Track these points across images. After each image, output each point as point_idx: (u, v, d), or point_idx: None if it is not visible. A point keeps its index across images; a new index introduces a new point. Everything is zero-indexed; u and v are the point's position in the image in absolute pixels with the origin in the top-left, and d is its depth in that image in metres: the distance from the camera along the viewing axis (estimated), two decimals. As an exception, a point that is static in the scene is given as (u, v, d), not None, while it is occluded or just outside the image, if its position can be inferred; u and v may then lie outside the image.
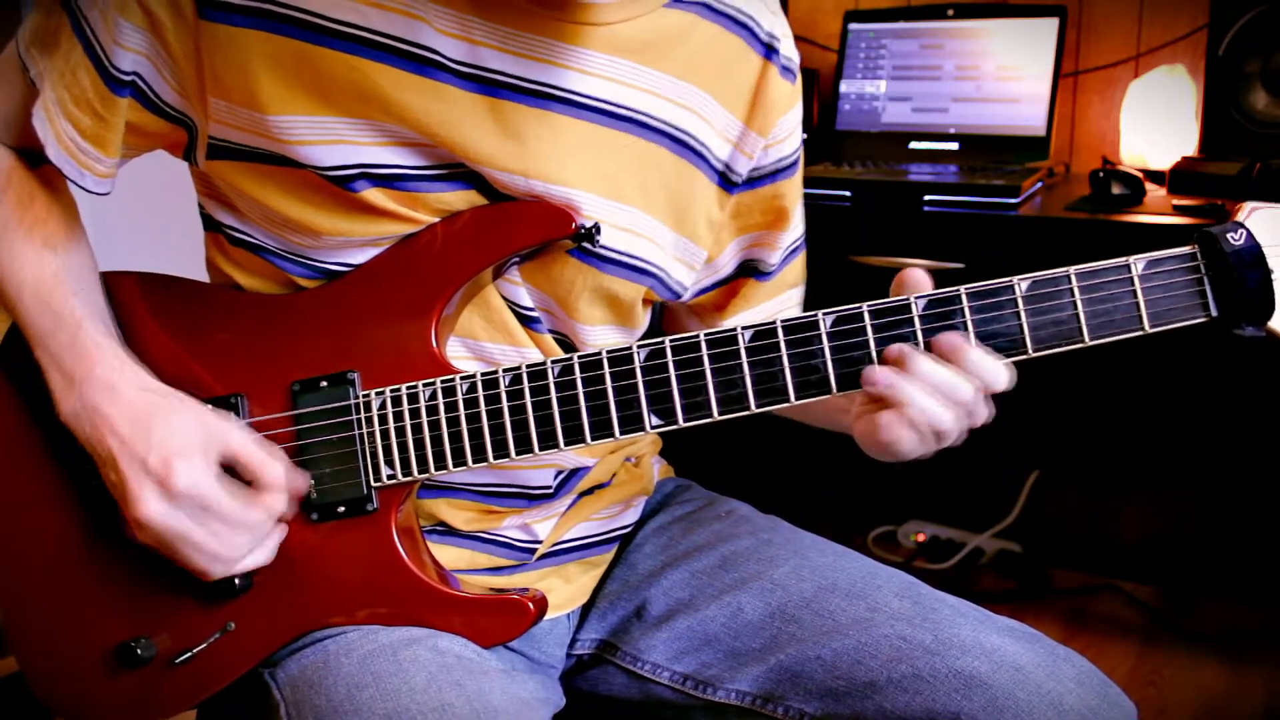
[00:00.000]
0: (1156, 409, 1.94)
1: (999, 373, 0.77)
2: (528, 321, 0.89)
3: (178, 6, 0.79)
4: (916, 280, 0.79)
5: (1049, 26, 1.85)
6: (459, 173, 0.84)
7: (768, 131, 0.93)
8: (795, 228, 1.02)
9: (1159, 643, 1.98)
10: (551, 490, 0.93)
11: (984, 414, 0.79)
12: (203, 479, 0.80)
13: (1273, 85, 1.69)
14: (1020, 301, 0.78)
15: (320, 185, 0.82)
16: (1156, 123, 1.90)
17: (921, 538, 2.29)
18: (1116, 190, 1.63)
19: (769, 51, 0.93)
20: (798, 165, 0.99)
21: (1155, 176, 1.75)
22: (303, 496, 0.85)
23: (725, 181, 0.93)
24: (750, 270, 1.01)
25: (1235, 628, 1.99)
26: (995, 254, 1.64)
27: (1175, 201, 1.60)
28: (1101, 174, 1.65)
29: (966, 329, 0.78)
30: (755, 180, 0.95)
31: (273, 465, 0.82)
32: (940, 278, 0.80)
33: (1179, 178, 1.66)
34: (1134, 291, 0.77)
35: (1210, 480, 2.02)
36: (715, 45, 0.90)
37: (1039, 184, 1.76)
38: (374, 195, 0.82)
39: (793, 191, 0.99)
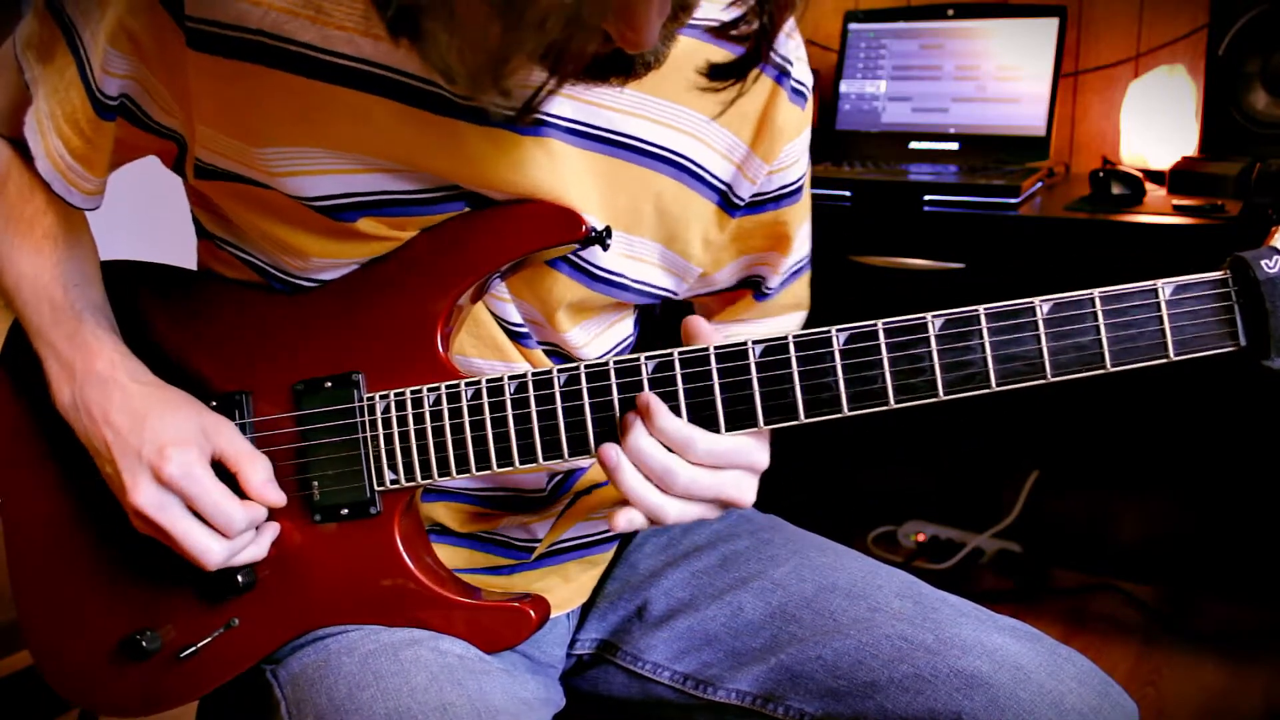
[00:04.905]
0: (1156, 409, 1.94)
1: (691, 439, 0.76)
2: (517, 337, 0.88)
3: (166, 37, 0.77)
4: (699, 329, 0.78)
5: (1049, 26, 1.85)
6: (454, 194, 0.82)
7: (773, 157, 0.90)
8: (798, 250, 0.99)
9: (1158, 642, 1.98)
10: (545, 493, 0.93)
11: (745, 494, 0.78)
12: (195, 468, 0.80)
13: (1273, 85, 1.69)
14: (1041, 324, 0.73)
15: (309, 211, 0.81)
16: (1156, 123, 1.90)
17: (921, 538, 2.29)
18: (1116, 190, 1.63)
19: (780, 75, 0.89)
20: (803, 191, 0.95)
21: (1155, 176, 1.75)
22: (283, 506, 0.85)
23: (726, 203, 0.90)
24: (751, 284, 0.99)
25: (1235, 628, 1.99)
26: (995, 254, 1.64)
27: (1175, 201, 1.60)
28: (1101, 174, 1.65)
29: (984, 350, 0.74)
30: (757, 205, 0.92)
31: (257, 467, 0.83)
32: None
33: (1179, 178, 1.66)
34: (1160, 318, 0.73)
35: (1209, 480, 2.02)
36: None
37: (1039, 184, 1.76)
38: (365, 224, 0.81)
39: (796, 217, 0.95)
